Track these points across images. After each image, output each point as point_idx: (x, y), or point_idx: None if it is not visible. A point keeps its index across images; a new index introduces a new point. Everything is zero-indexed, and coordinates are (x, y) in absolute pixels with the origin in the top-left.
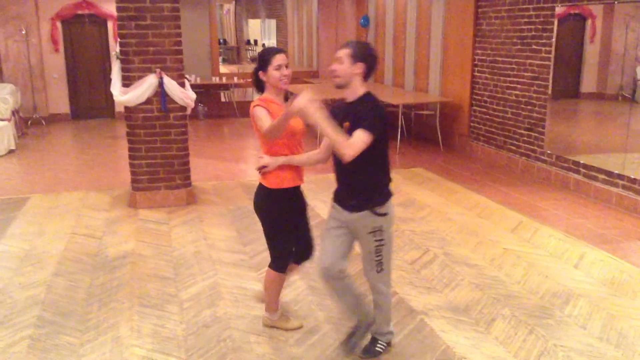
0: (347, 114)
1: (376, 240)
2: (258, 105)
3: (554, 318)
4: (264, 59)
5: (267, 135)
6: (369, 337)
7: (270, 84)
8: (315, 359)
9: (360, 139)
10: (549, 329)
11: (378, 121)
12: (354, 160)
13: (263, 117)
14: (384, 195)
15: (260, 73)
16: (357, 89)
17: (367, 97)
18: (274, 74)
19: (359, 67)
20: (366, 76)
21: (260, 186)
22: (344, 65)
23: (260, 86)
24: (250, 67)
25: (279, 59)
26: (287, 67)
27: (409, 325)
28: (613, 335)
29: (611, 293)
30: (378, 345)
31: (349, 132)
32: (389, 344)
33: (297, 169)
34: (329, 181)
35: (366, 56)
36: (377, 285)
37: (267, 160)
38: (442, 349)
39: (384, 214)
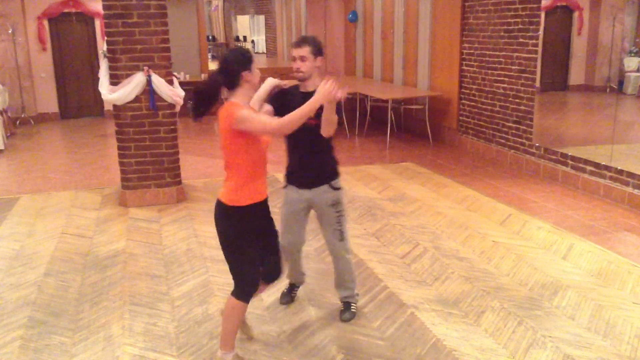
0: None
1: (336, 212)
2: (238, 107)
3: (542, 309)
4: (247, 59)
5: (284, 128)
6: (341, 305)
7: (254, 84)
8: (306, 354)
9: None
10: (537, 320)
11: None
12: (322, 140)
13: (256, 115)
14: (338, 171)
15: (246, 74)
16: (316, 80)
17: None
18: (257, 72)
19: (320, 61)
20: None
21: (218, 202)
22: (308, 62)
23: (215, 93)
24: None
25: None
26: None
27: (399, 319)
28: (601, 325)
29: (599, 284)
30: (352, 307)
31: (316, 127)
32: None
33: (260, 183)
34: None
35: (322, 49)
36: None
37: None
38: (433, 342)
39: (340, 188)
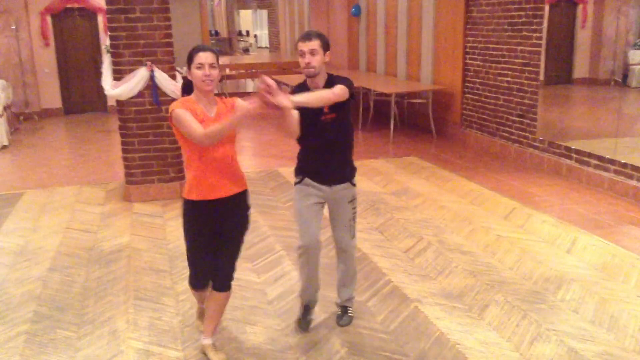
0: None
1: (353, 209)
2: (177, 107)
3: (546, 303)
4: (189, 56)
5: (203, 140)
6: (338, 309)
7: (195, 84)
8: (310, 348)
9: (341, 88)
10: (542, 313)
11: (352, 84)
12: (344, 137)
13: (188, 119)
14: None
15: (188, 71)
16: (324, 74)
17: (333, 76)
18: (195, 72)
19: (328, 56)
20: None
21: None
22: (319, 56)
23: (189, 89)
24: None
25: (201, 58)
26: (212, 66)
27: (403, 313)
28: (605, 319)
29: (603, 277)
30: (349, 311)
31: (333, 122)
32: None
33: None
34: None
35: (329, 44)
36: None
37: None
38: (437, 335)
39: (355, 185)
